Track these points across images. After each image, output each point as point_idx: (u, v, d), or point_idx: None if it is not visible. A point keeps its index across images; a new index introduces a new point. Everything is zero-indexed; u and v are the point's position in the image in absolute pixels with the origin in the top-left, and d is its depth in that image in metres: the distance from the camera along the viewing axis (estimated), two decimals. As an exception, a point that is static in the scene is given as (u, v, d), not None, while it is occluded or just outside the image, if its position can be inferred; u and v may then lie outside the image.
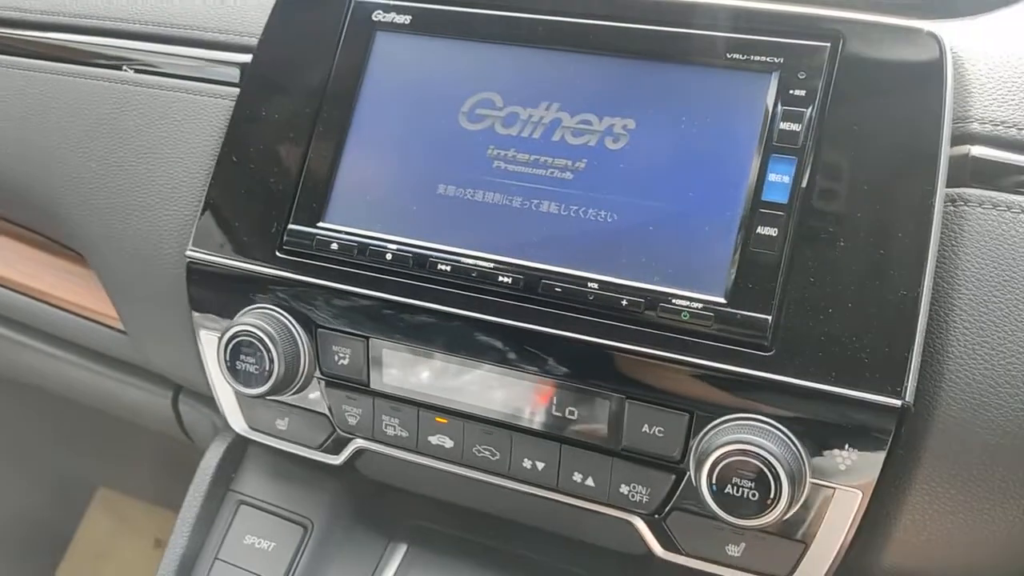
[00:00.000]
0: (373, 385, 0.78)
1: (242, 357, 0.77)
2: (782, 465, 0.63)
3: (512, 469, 0.76)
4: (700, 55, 0.70)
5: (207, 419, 1.00)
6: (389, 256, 0.75)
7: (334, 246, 0.77)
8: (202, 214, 0.82)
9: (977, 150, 0.66)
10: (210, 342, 0.82)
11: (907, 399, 0.62)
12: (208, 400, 0.91)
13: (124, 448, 1.63)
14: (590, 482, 0.74)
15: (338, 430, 0.82)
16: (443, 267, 0.73)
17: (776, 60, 0.68)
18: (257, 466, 0.93)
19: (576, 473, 0.74)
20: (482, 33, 0.77)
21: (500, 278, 0.72)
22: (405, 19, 0.79)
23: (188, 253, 0.82)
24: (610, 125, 0.72)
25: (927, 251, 0.63)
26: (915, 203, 0.64)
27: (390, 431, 0.79)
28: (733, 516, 0.65)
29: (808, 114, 0.67)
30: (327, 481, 0.90)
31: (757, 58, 0.69)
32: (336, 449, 0.83)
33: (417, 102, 0.77)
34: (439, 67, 0.78)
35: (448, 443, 0.78)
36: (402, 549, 0.88)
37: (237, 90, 0.85)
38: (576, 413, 0.72)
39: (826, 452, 0.65)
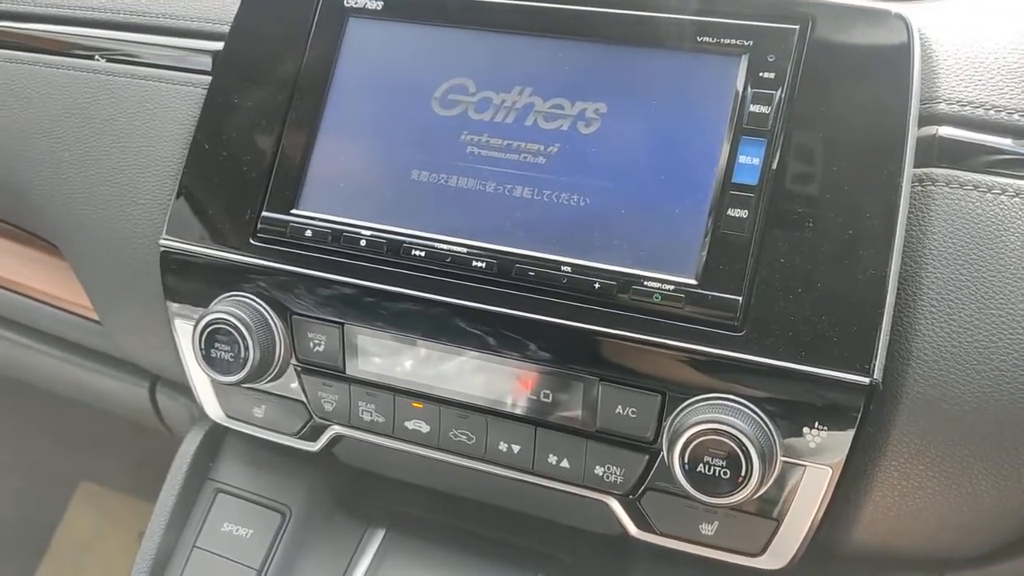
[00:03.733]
0: (349, 371, 0.78)
1: (217, 345, 0.77)
2: (753, 444, 0.64)
3: (488, 453, 0.76)
4: (670, 39, 0.71)
5: (184, 408, 1.00)
6: (363, 242, 0.75)
7: (308, 233, 0.77)
8: (175, 203, 0.82)
9: (944, 130, 0.67)
10: (185, 331, 0.82)
11: (875, 377, 0.63)
12: (185, 389, 0.91)
13: (107, 442, 1.62)
14: (565, 464, 0.74)
15: (315, 417, 0.82)
16: (417, 252, 0.74)
17: (745, 43, 0.69)
18: (234, 454, 0.93)
19: (551, 455, 0.74)
20: (454, 18, 0.77)
21: (474, 263, 0.72)
22: (377, 5, 0.79)
23: (161, 242, 0.82)
24: (582, 110, 0.72)
25: (895, 231, 0.64)
26: (883, 184, 0.65)
27: (366, 417, 0.80)
28: (705, 495, 0.65)
29: (777, 96, 0.67)
30: (304, 468, 0.90)
31: (726, 41, 0.69)
32: (313, 436, 0.83)
33: (390, 88, 0.77)
34: (412, 53, 0.78)
35: (424, 428, 0.78)
36: (380, 534, 0.88)
37: (209, 78, 0.85)
38: (550, 396, 0.73)
39: (796, 430, 0.66)
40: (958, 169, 0.66)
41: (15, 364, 1.10)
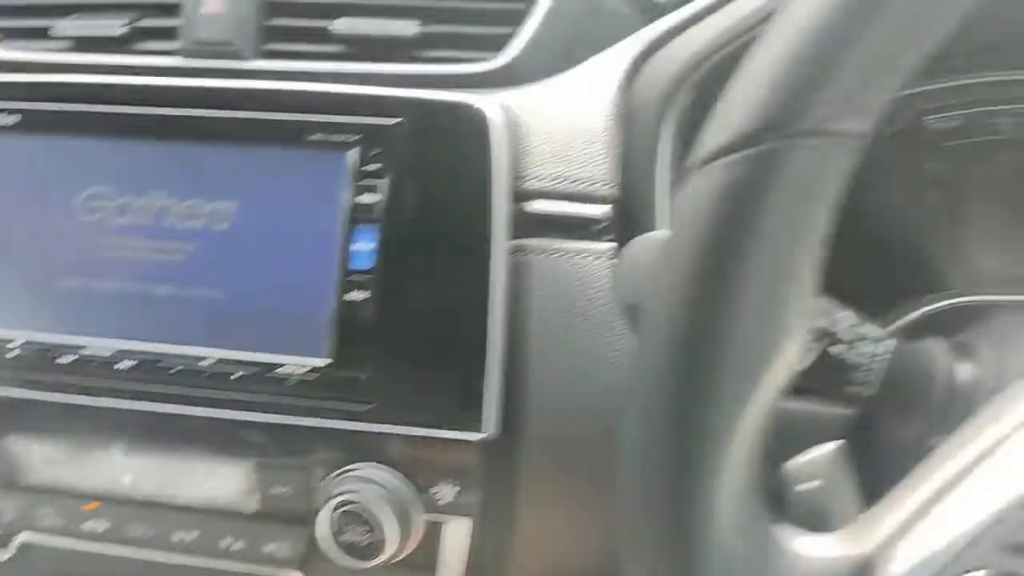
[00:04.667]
0: (20, 481, 0.79)
1: None
2: (388, 507, 0.70)
3: (167, 543, 0.79)
4: (288, 137, 0.76)
5: None
6: (14, 353, 0.76)
7: (-46, 351, 0.77)
8: None
9: (535, 204, 0.76)
10: None
11: (488, 432, 0.70)
12: None
13: None
14: (239, 545, 0.78)
15: (-2, 528, 0.82)
16: (65, 359, 0.76)
17: (352, 139, 0.75)
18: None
19: (225, 539, 0.78)
20: (92, 130, 0.79)
21: (117, 365, 0.75)
22: (14, 119, 0.80)
23: None
24: (215, 208, 0.76)
25: (493, 299, 0.72)
26: (478, 256, 0.72)
27: (46, 521, 0.81)
28: (357, 559, 0.71)
29: (383, 186, 0.74)
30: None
31: (336, 138, 0.75)
32: (3, 543, 0.83)
33: (30, 199, 0.79)
34: (53, 163, 0.80)
35: (103, 526, 0.80)
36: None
37: None
38: (215, 483, 0.76)
39: (429, 489, 0.72)
40: (548, 237, 0.75)
41: None
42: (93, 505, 0.79)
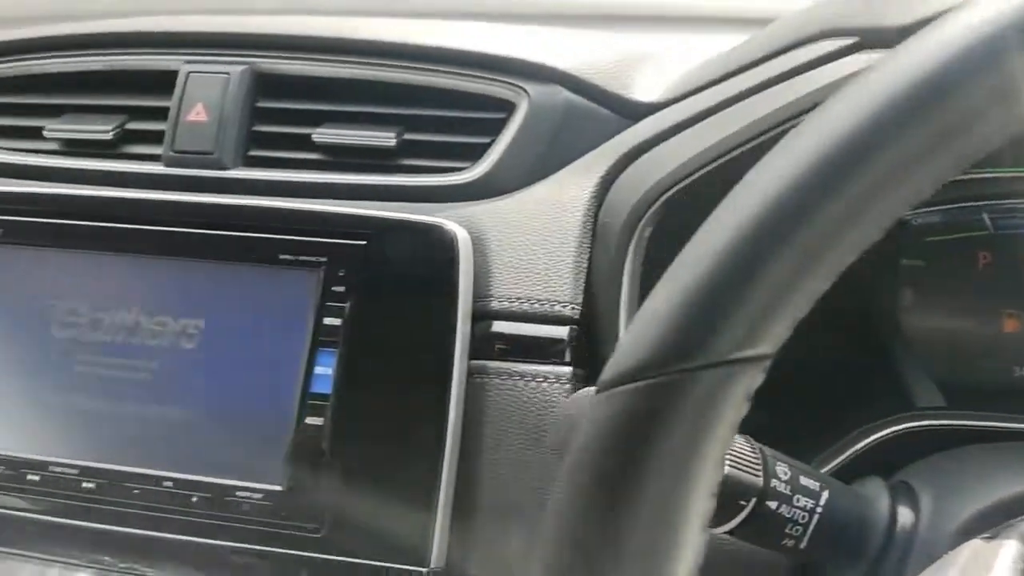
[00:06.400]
0: (-8, 592, 0.80)
1: None
2: None
3: (132, 660, 0.79)
4: (258, 256, 0.77)
5: None
6: (-18, 470, 0.78)
7: (-72, 464, 0.78)
8: None
9: (498, 325, 0.75)
10: None
11: (433, 566, 0.69)
12: None
13: None
14: (199, 664, 0.78)
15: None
16: (32, 477, 0.77)
17: (320, 259, 0.75)
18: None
19: (186, 656, 0.78)
20: (68, 242, 0.81)
21: (83, 484, 0.75)
22: (-3, 232, 0.82)
23: None
24: (184, 326, 0.77)
25: (446, 427, 0.71)
26: (436, 381, 0.72)
27: (14, 634, 0.81)
28: None
29: (347, 308, 0.74)
30: None
31: (304, 257, 0.76)
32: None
33: (7, 312, 0.81)
34: (29, 276, 0.81)
35: (68, 640, 0.80)
36: None
37: None
38: (176, 601, 0.76)
39: (373, 618, 0.71)
40: (510, 361, 0.74)
41: None
42: (60, 619, 0.80)
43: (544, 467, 0.71)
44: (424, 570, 0.69)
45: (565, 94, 0.84)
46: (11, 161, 0.92)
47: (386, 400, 0.72)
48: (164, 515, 0.74)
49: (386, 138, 0.84)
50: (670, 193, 0.75)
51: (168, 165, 0.87)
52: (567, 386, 0.73)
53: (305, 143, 0.86)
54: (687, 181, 0.74)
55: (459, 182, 0.82)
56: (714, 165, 0.73)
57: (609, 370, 0.39)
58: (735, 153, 0.71)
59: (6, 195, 0.85)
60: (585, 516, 0.38)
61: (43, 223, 0.82)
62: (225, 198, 0.81)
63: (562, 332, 0.74)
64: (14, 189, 0.87)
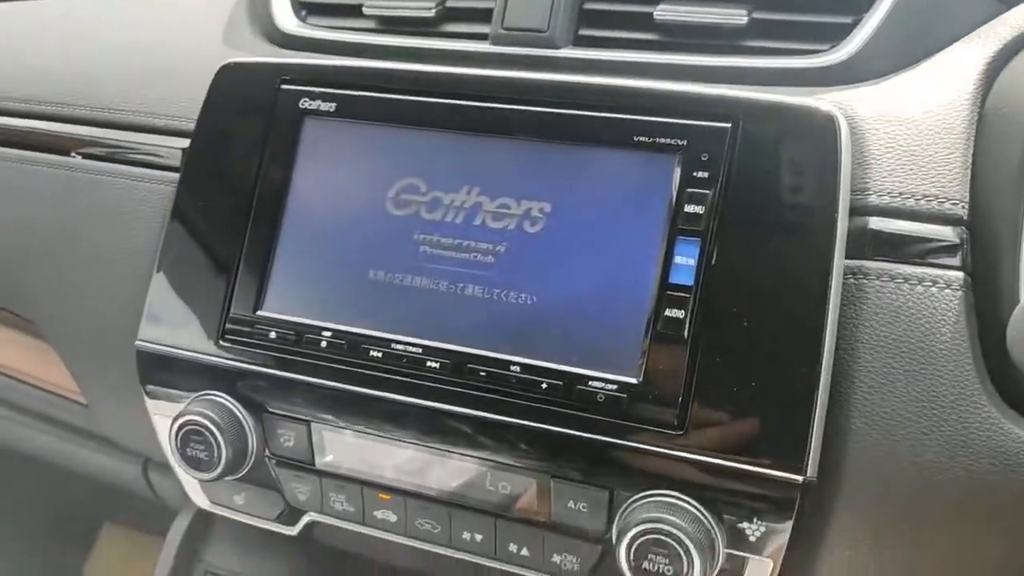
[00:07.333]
0: (318, 465, 0.81)
1: (192, 444, 0.80)
2: (692, 541, 0.65)
3: (453, 541, 0.79)
4: (608, 137, 0.72)
5: (176, 486, 1.03)
6: (324, 343, 0.78)
7: (272, 335, 0.79)
8: (149, 302, 0.85)
9: (875, 222, 0.68)
10: (163, 427, 0.86)
11: (808, 475, 0.64)
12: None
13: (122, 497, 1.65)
14: (525, 552, 0.76)
15: (290, 505, 0.85)
16: (375, 353, 0.76)
17: (680, 142, 0.70)
18: (222, 535, 0.97)
19: (512, 544, 0.77)
20: (404, 118, 0.79)
21: (428, 363, 0.74)
22: (330, 106, 0.81)
23: (137, 343, 0.85)
24: (527, 209, 0.74)
25: (825, 326, 0.65)
26: (814, 279, 0.66)
27: (337, 506, 0.82)
28: None
29: (711, 196, 0.69)
30: (287, 549, 0.93)
31: (662, 140, 0.71)
32: (291, 521, 0.86)
33: (346, 188, 0.80)
34: (365, 153, 0.80)
35: (392, 517, 0.81)
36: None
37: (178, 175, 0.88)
38: (508, 489, 0.75)
39: (736, 525, 0.67)
40: (890, 261, 0.67)
41: (14, 441, 1.14)
42: (384, 496, 0.80)
43: (933, 379, 0.65)
44: (800, 478, 0.64)
45: None
46: (330, 38, 0.90)
47: (754, 296, 0.67)
48: (510, 400, 0.72)
49: (736, 16, 0.77)
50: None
51: (495, 43, 0.84)
52: (959, 293, 0.65)
53: (642, 21, 0.81)
54: None
55: (821, 65, 0.75)
56: None
57: None
58: None
59: (340, 69, 0.83)
60: None
61: (377, 98, 0.80)
62: (570, 76, 0.76)
63: (951, 233, 0.67)
64: (348, 63, 0.85)
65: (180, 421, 0.79)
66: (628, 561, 0.67)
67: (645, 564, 0.67)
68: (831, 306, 0.65)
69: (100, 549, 2.02)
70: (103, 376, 0.94)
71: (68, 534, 1.99)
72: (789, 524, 0.66)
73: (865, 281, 0.67)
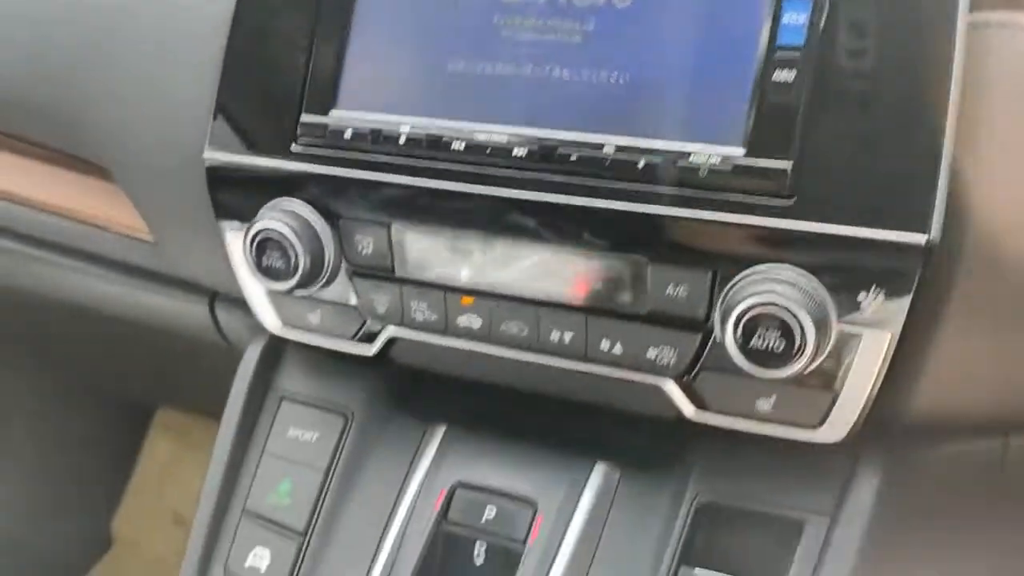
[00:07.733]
0: (398, 272, 0.79)
1: (268, 253, 0.77)
2: (807, 313, 0.62)
3: (541, 342, 0.76)
4: None
5: (244, 322, 1.01)
6: (402, 139, 0.74)
7: (347, 134, 0.76)
8: (215, 114, 0.82)
9: (1001, -28, 0.63)
10: (236, 242, 0.83)
11: (933, 235, 0.61)
12: (243, 303, 0.92)
13: (180, 367, 1.66)
14: (617, 349, 0.74)
15: (368, 319, 0.83)
16: (457, 145, 0.73)
17: None
18: (295, 363, 0.95)
19: (604, 341, 0.74)
20: None
21: (514, 151, 0.71)
22: None
23: (205, 156, 0.82)
24: (616, -20, 0.69)
25: (949, 82, 0.61)
26: (936, 32, 0.61)
27: (419, 316, 0.80)
28: (761, 369, 0.65)
29: None
30: (363, 372, 0.92)
31: None
32: (369, 339, 0.84)
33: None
34: (438, -62, 0.75)
35: (477, 323, 0.78)
36: (441, 431, 0.89)
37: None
38: (600, 281, 0.72)
39: (852, 297, 0.64)
40: (1014, 9, 0.63)
41: (74, 289, 1.13)
42: (468, 300, 0.78)
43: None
44: (924, 239, 0.61)
45: None
46: None
47: (870, 52, 0.63)
48: (605, 183, 0.69)
49: None
50: None
51: None
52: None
53: None
54: None
55: None
56: None
57: None
58: None
59: None
60: None
61: None
62: None
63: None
64: None
65: (255, 230, 0.77)
66: (735, 339, 0.64)
67: (754, 342, 0.64)
68: (956, 60, 0.61)
69: (154, 436, 2.05)
70: (170, 204, 0.92)
71: (121, 423, 2.02)
72: (910, 293, 0.63)
73: (988, 31, 0.63)
